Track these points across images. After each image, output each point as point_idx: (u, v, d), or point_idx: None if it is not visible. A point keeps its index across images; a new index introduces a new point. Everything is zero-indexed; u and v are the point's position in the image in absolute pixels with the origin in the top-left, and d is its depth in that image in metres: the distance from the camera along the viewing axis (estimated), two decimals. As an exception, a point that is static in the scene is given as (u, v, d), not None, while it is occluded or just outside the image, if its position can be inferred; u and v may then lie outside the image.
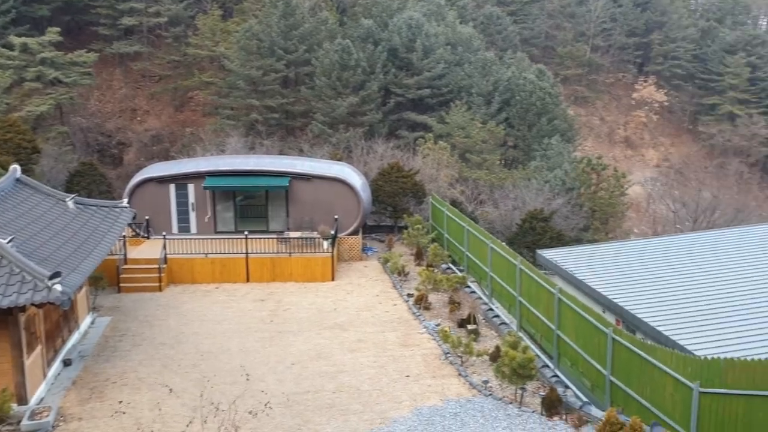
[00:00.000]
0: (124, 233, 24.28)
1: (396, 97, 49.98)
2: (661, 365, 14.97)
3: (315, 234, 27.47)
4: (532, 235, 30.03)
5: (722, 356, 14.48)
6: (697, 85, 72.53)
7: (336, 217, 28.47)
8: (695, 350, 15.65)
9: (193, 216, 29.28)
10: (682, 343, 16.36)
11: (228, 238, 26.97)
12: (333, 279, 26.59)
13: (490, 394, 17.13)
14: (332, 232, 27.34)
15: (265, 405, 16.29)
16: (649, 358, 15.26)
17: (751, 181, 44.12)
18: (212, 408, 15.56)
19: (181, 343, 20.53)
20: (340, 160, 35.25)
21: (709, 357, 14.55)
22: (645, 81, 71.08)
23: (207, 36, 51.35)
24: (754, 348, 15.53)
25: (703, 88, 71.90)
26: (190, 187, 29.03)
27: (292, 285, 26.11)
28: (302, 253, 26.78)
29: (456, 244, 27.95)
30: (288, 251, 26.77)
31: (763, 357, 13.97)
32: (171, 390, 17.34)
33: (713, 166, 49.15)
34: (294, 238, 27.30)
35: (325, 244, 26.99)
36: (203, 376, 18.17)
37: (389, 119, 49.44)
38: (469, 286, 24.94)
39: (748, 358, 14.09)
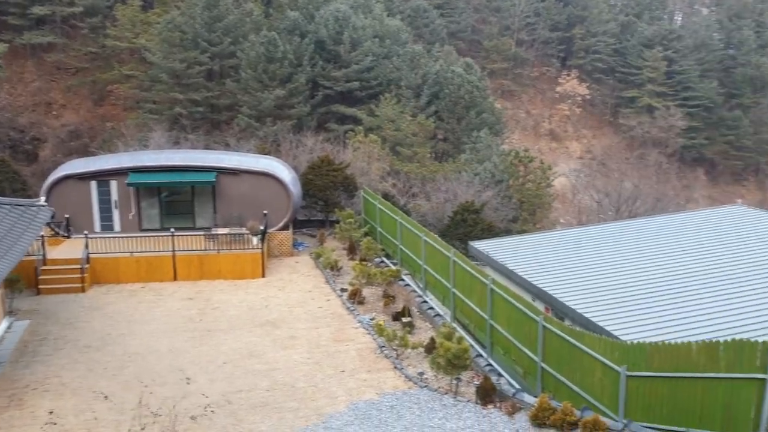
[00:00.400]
0: (42, 233, 23.15)
1: (324, 89, 49.63)
2: (589, 351, 15.32)
3: (244, 230, 26.94)
4: (464, 227, 30.32)
5: (647, 340, 14.94)
6: (617, 78, 74.95)
7: (265, 212, 27.99)
8: (622, 335, 16.09)
9: (116, 214, 28.24)
10: (609, 328, 16.78)
11: (153, 236, 26.10)
12: (263, 276, 26.14)
13: (426, 386, 17.16)
14: (262, 228, 26.87)
15: (205, 408, 15.88)
16: (578, 344, 15.60)
17: (669, 171, 45.96)
18: (148, 413, 15.02)
19: (108, 345, 19.76)
20: (268, 154, 34.68)
21: (635, 341, 14.98)
22: (568, 74, 73.04)
23: (127, 27, 49.65)
24: (678, 331, 16.06)
25: (623, 81, 74.35)
26: (113, 184, 27.99)
27: (221, 282, 25.53)
28: (231, 249, 26.19)
29: (389, 237, 27.92)
30: (216, 248, 26.15)
31: (686, 340, 14.44)
32: (99, 395, 16.65)
33: (634, 157, 50.98)
34: (222, 234, 26.67)
35: (255, 240, 26.49)
36: (134, 379, 17.53)
37: (318, 112, 49.06)
38: (403, 279, 24.94)
39: (672, 342, 14.57)
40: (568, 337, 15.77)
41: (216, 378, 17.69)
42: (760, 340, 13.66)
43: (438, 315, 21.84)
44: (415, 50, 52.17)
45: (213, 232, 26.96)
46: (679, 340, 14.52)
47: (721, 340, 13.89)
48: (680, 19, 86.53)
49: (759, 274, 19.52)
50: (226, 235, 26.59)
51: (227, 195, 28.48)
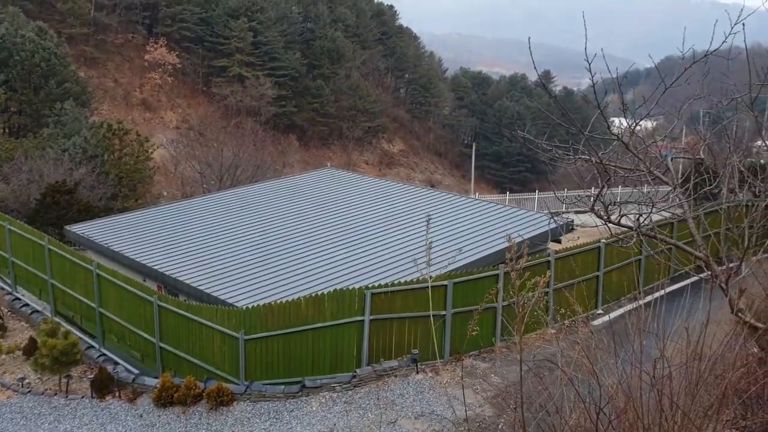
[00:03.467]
0: None
1: None
2: (207, 322, 15.37)
3: None
4: (56, 210, 27.48)
5: (263, 303, 15.54)
6: (206, 47, 75.29)
7: None
8: (237, 302, 16.34)
9: None
10: (224, 297, 16.92)
11: None
12: None
13: (29, 391, 15.38)
14: None
15: None
16: (196, 318, 15.53)
17: (266, 138, 48.16)
18: None
19: None
20: None
21: (251, 306, 15.45)
22: (156, 42, 70.90)
23: None
24: (290, 290, 16.86)
25: (212, 50, 74.97)
26: None
27: None
28: None
29: (-39, 230, 23.93)
30: None
31: (296, 297, 15.40)
32: None
33: (231, 126, 52.12)
34: None
35: None
36: None
37: None
38: (-14, 277, 21.72)
39: (284, 301, 15.40)
40: (185, 313, 15.56)
41: None
42: (357, 286, 15.30)
43: (36, 311, 19.63)
44: (-27, 11, 45.05)
45: None
46: (291, 298, 15.43)
47: (326, 291, 15.18)
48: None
49: (352, 228, 21.72)
50: None
51: None
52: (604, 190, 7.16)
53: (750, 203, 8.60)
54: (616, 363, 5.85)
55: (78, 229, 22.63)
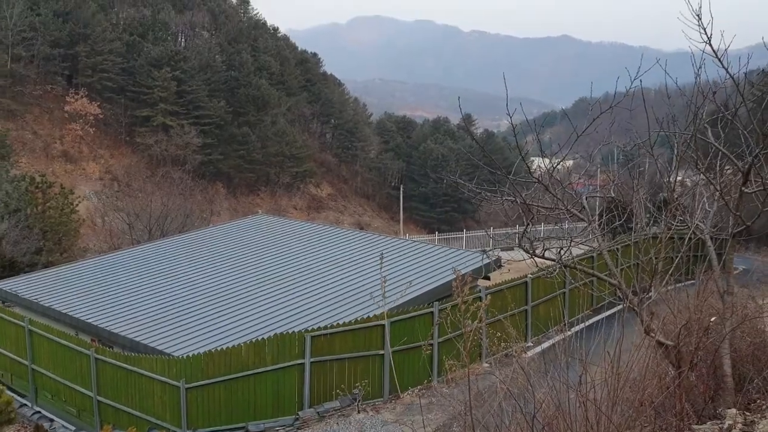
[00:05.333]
0: None
1: None
2: (147, 373, 15.32)
3: None
4: (-23, 266, 26.68)
5: (202, 352, 15.62)
6: (129, 97, 74.51)
7: None
8: (176, 352, 16.30)
9: None
10: (161, 348, 16.83)
11: None
12: None
13: (-41, 456, 14.82)
14: None
15: None
16: (136, 369, 15.46)
17: (194, 187, 47.84)
18: None
19: None
20: None
21: (190, 355, 15.51)
22: (76, 93, 69.75)
23: None
24: (231, 337, 16.96)
25: (135, 100, 74.26)
26: None
27: None
28: None
29: None
30: None
31: (237, 344, 15.57)
32: None
33: (160, 176, 51.49)
34: None
35: None
36: None
37: None
38: None
39: (225, 348, 15.54)
40: (124, 365, 15.48)
41: None
42: (297, 330, 15.64)
43: (-37, 372, 18.94)
44: None
45: None
46: (231, 345, 15.58)
47: (266, 337, 15.44)
48: (184, 41, 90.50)
49: (289, 273, 21.96)
50: None
51: None
52: (529, 227, 7.95)
53: (655, 236, 9.58)
54: (546, 380, 6.51)
55: (4, 285, 22.08)
